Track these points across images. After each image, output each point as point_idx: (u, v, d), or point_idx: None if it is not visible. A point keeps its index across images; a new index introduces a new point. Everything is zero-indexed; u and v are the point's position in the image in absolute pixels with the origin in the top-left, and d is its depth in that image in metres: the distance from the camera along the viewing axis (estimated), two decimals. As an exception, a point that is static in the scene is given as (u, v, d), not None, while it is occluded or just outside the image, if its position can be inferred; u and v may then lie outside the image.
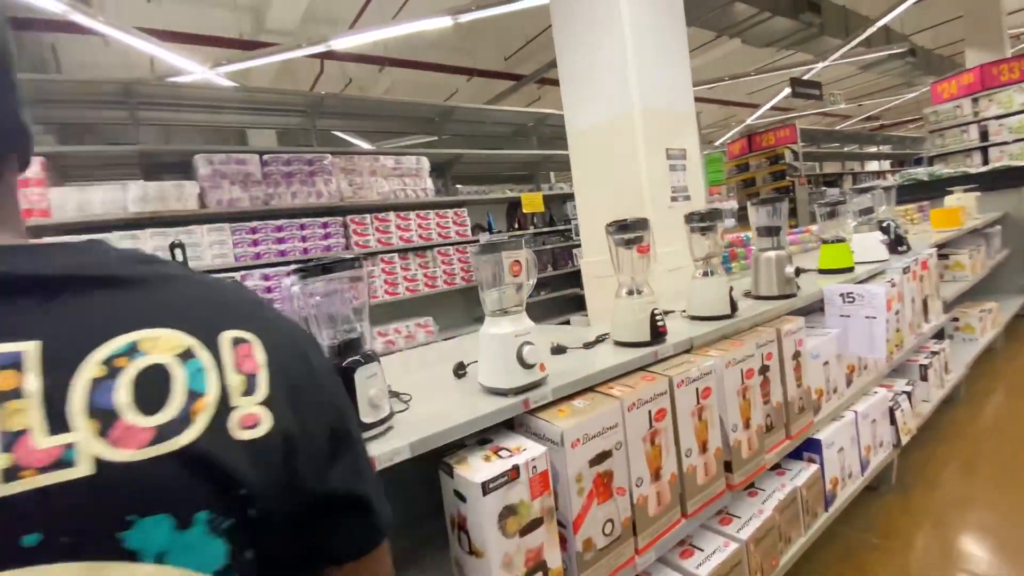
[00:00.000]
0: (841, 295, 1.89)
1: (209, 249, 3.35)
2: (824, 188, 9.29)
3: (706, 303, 1.60)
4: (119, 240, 3.09)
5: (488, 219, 4.83)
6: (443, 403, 1.13)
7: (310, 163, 3.75)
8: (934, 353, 2.60)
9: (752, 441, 1.43)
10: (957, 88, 6.47)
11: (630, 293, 1.40)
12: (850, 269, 2.22)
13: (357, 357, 0.94)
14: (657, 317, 1.36)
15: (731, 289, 1.60)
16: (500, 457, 0.98)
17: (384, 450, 0.88)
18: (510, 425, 1.12)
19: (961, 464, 2.31)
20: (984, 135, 6.26)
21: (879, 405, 2.03)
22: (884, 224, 2.63)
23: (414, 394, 1.16)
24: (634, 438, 1.14)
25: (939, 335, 3.43)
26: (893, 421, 2.10)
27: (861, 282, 2.11)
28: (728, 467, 1.38)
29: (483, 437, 1.07)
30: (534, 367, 1.09)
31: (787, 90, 7.46)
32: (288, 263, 3.66)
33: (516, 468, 0.94)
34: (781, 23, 6.32)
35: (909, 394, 2.23)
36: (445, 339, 4.42)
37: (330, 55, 6.96)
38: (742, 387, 1.40)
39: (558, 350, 1.43)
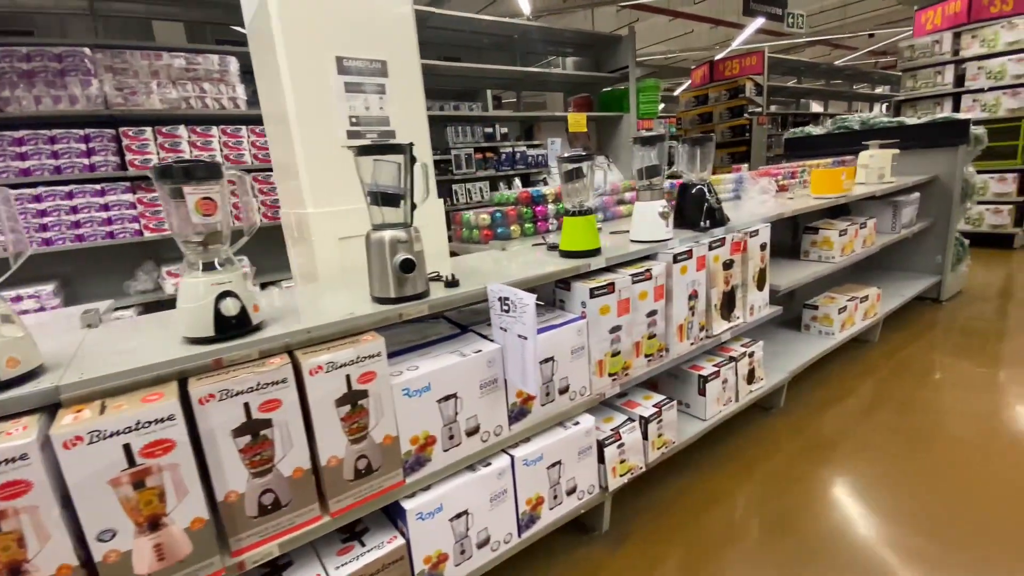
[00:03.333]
0: (500, 300, 1.30)
1: (-95, 160, 2.68)
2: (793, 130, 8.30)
3: (196, 316, 1.02)
4: None
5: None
6: None
7: (59, 59, 2.97)
8: (732, 359, 2.06)
9: (169, 547, 0.91)
10: (942, 18, 5.44)
11: (-65, 306, 0.81)
12: (594, 252, 1.62)
13: None
14: (-50, 354, 0.78)
15: (221, 296, 1.00)
16: None
17: None
18: None
19: (723, 508, 1.84)
20: (960, 80, 5.34)
21: (573, 442, 1.51)
22: (696, 189, 1.98)
23: None
24: None
25: (796, 325, 2.90)
26: (603, 459, 1.59)
27: (560, 282, 1.51)
28: (101, 591, 0.87)
29: None
30: None
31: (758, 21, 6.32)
32: (35, 184, 3.00)
33: None
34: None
35: (647, 420, 1.71)
36: (261, 284, 3.86)
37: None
38: (130, 472, 0.85)
39: None
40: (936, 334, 3.21)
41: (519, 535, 1.43)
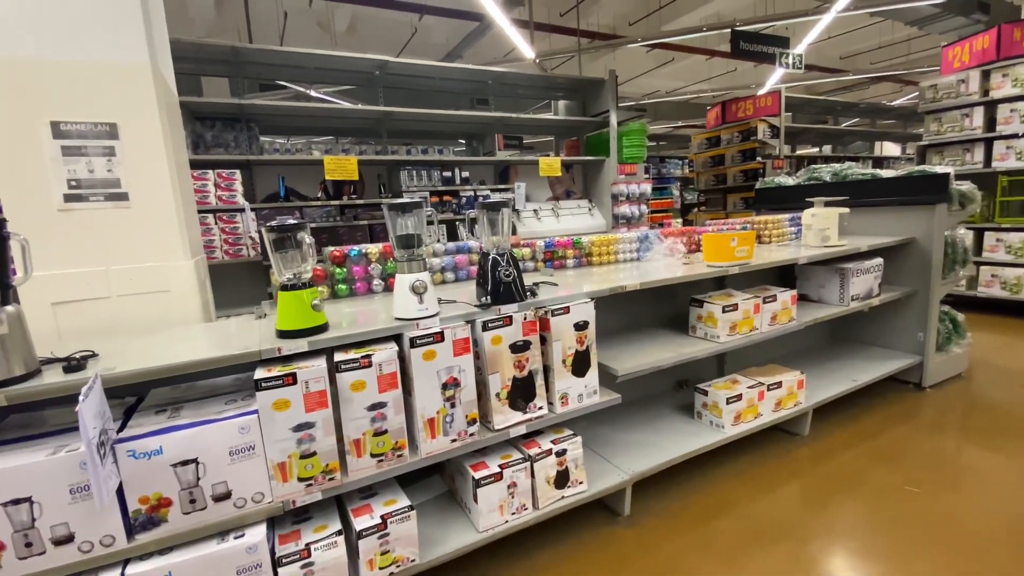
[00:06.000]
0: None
1: None
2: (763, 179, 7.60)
3: None
4: None
5: (279, 183, 4.15)
6: None
7: None
8: (528, 458, 1.75)
9: None
10: (970, 55, 4.80)
11: None
12: (305, 332, 1.43)
13: None
14: None
15: None
16: None
17: None
18: None
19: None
20: (992, 123, 4.64)
21: (228, 559, 1.29)
22: (491, 259, 1.74)
23: None
24: None
25: (689, 410, 2.51)
26: (282, 579, 1.35)
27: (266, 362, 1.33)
28: None
29: None
30: None
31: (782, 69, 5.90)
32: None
33: None
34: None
35: (360, 533, 1.45)
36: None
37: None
38: None
39: None
40: (893, 432, 2.65)
41: (138, 667, 1.23)
